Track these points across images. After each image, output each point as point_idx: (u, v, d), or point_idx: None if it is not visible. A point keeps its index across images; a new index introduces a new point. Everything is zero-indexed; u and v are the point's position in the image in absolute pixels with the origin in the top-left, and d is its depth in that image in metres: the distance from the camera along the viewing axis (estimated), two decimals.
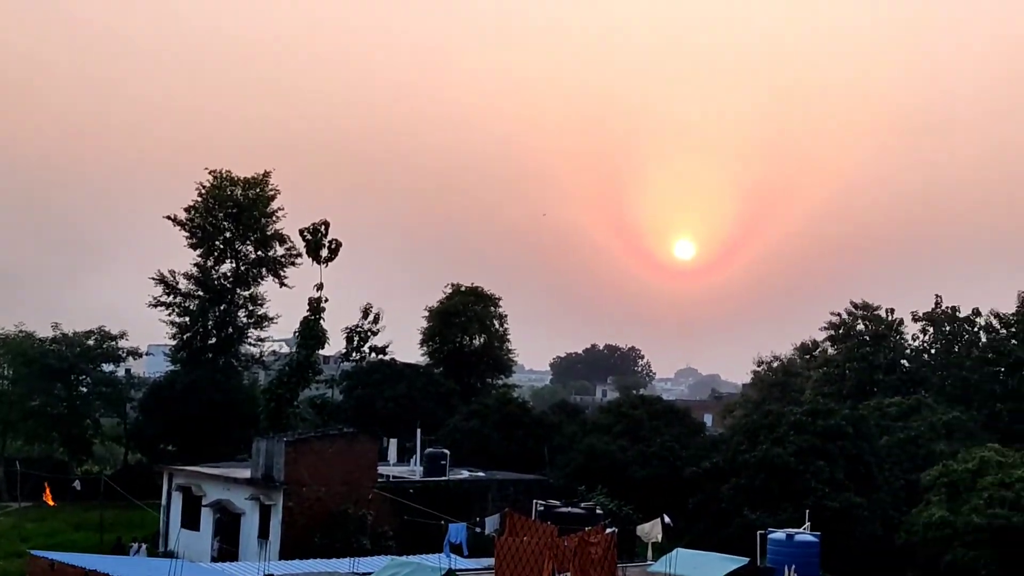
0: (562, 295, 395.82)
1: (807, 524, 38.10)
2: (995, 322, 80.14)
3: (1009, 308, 79.92)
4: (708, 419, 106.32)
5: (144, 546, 55.27)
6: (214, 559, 49.78)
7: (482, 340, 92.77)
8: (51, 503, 61.98)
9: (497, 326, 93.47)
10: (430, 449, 59.88)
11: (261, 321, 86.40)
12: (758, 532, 37.63)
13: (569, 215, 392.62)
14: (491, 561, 32.26)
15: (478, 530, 39.58)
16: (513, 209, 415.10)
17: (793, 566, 32.74)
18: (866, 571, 43.00)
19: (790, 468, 51.80)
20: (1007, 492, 47.45)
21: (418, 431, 62.68)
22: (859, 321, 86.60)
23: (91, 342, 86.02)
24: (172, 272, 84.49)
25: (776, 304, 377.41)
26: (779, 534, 35.01)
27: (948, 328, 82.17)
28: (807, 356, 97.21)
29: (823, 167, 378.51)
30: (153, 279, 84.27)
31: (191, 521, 55.15)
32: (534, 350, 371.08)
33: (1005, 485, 47.87)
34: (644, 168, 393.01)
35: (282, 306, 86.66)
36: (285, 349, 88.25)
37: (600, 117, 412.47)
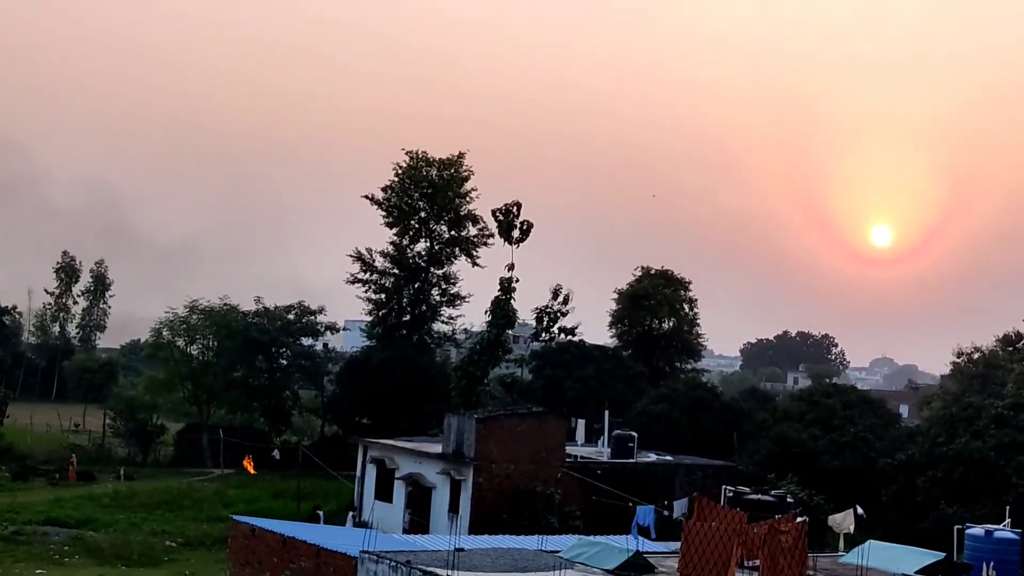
0: (754, 281, 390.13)
1: (1007, 520, 36.81)
2: None
3: None
4: (904, 410, 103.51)
5: (321, 512, 57.10)
6: (405, 531, 50.94)
7: (671, 324, 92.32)
8: (251, 471, 64.30)
9: (687, 310, 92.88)
10: (618, 431, 59.92)
11: (454, 300, 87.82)
12: (955, 527, 36.54)
13: (762, 200, 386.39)
14: (678, 545, 32.11)
15: (666, 513, 39.48)
16: (705, 194, 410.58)
17: (991, 563, 31.70)
18: None
19: (990, 462, 50.13)
20: None
21: (606, 412, 62.80)
22: None
23: (291, 316, 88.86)
24: (369, 250, 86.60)
25: (977, 294, 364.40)
26: (977, 530, 33.91)
27: None
28: (1010, 348, 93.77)
29: (1021, 148, 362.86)
30: (351, 256, 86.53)
31: (384, 493, 56.47)
32: (724, 335, 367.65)
33: None
34: (839, 154, 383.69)
35: (474, 286, 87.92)
36: (476, 328, 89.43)
37: (794, 103, 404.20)
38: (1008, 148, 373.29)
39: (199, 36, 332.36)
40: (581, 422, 65.12)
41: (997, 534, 33.13)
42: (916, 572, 31.60)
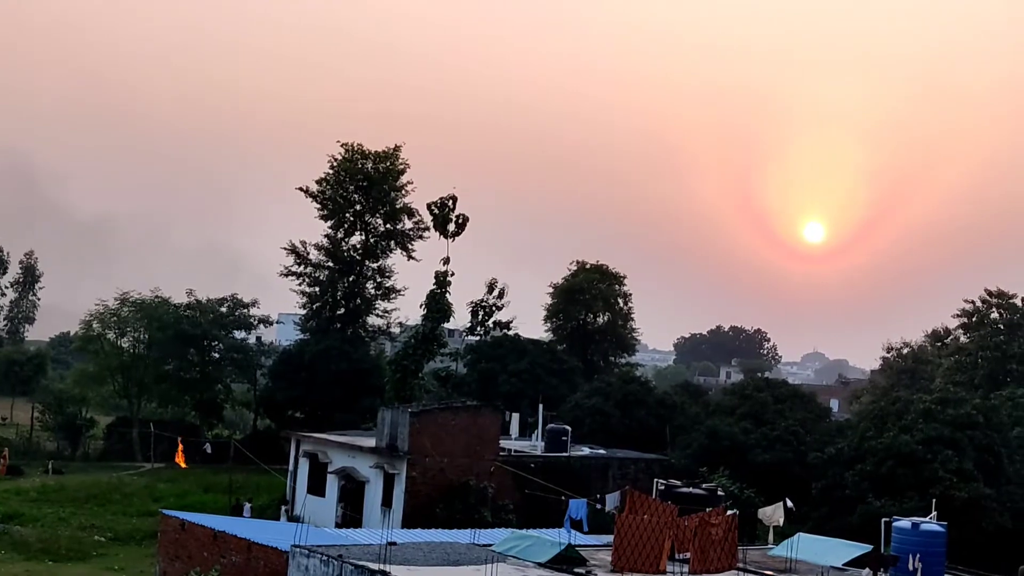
0: (688, 276, 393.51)
1: (934, 513, 37.34)
2: None
3: None
4: (834, 404, 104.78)
5: (249, 505, 56.89)
6: (338, 525, 50.74)
7: (606, 318, 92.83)
8: (182, 465, 63.69)
9: (621, 304, 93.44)
10: (552, 425, 60.08)
11: (388, 293, 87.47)
12: (883, 520, 37.01)
13: (697, 195, 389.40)
14: (611, 538, 32.32)
15: (598, 507, 39.63)
16: (640, 189, 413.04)
17: (918, 555, 32.14)
18: (994, 563, 42.05)
19: (917, 456, 50.85)
20: None
21: (540, 406, 62.95)
22: (993, 309, 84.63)
23: (223, 309, 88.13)
24: (303, 243, 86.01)
25: (907, 290, 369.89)
26: (904, 523, 34.35)
27: None
28: (938, 344, 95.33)
29: (958, 151, 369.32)
30: (285, 249, 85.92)
31: (317, 487, 56.24)
32: (658, 330, 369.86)
33: None
34: (774, 150, 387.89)
35: (409, 279, 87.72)
36: (411, 321, 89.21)
37: (731, 100, 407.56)
38: (941, 149, 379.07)
39: (131, 18, 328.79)
40: (515, 416, 65.21)
41: (923, 527, 33.59)
42: (844, 564, 32.04)
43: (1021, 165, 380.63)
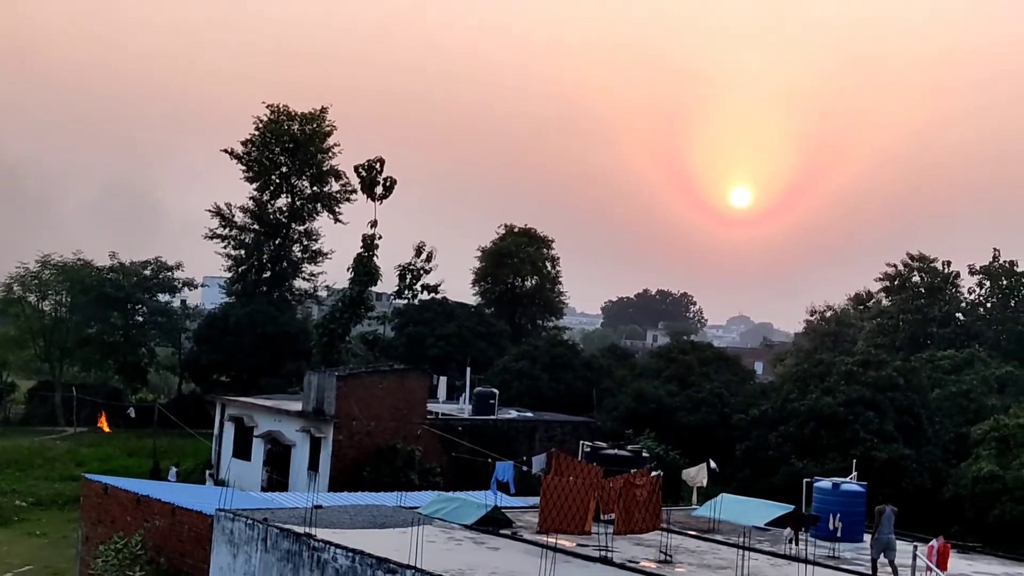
0: (616, 239, 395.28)
1: (854, 474, 37.91)
2: None
3: None
4: (759, 367, 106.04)
5: (175, 469, 56.55)
6: (264, 489, 50.51)
7: (534, 282, 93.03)
8: (106, 429, 63.10)
9: (549, 268, 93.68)
10: (479, 388, 60.19)
11: (315, 256, 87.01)
12: (804, 480, 37.53)
13: (625, 160, 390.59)
14: (537, 500, 32.46)
15: (525, 469, 39.76)
16: (568, 152, 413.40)
17: (838, 515, 32.67)
18: (913, 523, 42.79)
19: (839, 418, 51.53)
20: None
21: (468, 370, 62.99)
22: (915, 273, 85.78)
23: (147, 272, 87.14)
24: (228, 205, 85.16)
25: (831, 254, 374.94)
26: (825, 483, 34.86)
27: (1005, 282, 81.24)
28: (861, 307, 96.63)
29: (883, 117, 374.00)
30: (209, 211, 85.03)
31: (242, 451, 55.92)
32: (586, 293, 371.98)
33: None
34: (702, 115, 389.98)
35: (336, 242, 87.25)
36: (338, 285, 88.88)
37: (659, 67, 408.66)
38: (865, 117, 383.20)
39: None
40: (443, 379, 65.22)
41: (844, 487, 34.11)
42: (766, 524, 32.40)
43: (942, 134, 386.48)
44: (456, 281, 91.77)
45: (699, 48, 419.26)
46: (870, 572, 28.01)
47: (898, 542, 32.31)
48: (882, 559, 28.40)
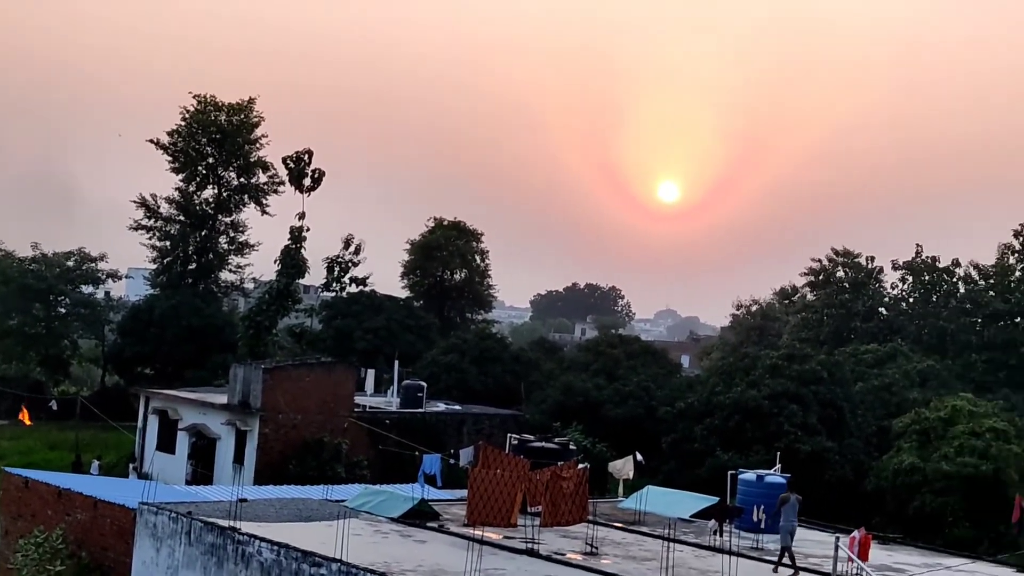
0: (545, 233, 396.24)
1: (778, 466, 38.37)
2: (974, 273, 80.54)
3: (989, 260, 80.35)
4: (685, 360, 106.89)
5: (97, 462, 55.84)
6: (188, 482, 49.99)
7: (463, 275, 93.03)
8: (27, 422, 62.08)
9: (478, 261, 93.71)
10: (407, 381, 60.04)
11: (242, 248, 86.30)
12: (729, 472, 37.91)
13: (555, 154, 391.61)
14: (464, 492, 32.46)
15: (452, 462, 39.76)
16: (498, 146, 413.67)
17: (762, 506, 32.98)
18: (835, 514, 43.39)
19: (764, 411, 52.06)
20: (977, 441, 47.88)
21: (396, 363, 62.82)
22: (839, 268, 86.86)
23: (71, 263, 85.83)
24: (154, 196, 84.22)
25: (758, 249, 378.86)
26: (749, 475, 35.22)
27: (927, 277, 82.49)
28: (786, 301, 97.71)
29: (809, 114, 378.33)
30: (135, 202, 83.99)
31: (166, 444, 55.31)
32: (515, 287, 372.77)
33: (975, 434, 48.29)
34: (631, 110, 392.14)
35: (263, 234, 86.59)
36: (265, 277, 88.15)
37: (588, 60, 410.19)
38: (791, 113, 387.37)
39: None
40: (371, 372, 65.00)
41: (768, 479, 34.48)
42: (691, 516, 32.71)
43: (867, 132, 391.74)
44: (385, 274, 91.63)
45: (629, 44, 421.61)
46: (788, 562, 28.29)
47: (821, 533, 32.77)
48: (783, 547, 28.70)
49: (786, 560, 28.27)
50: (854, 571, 26.02)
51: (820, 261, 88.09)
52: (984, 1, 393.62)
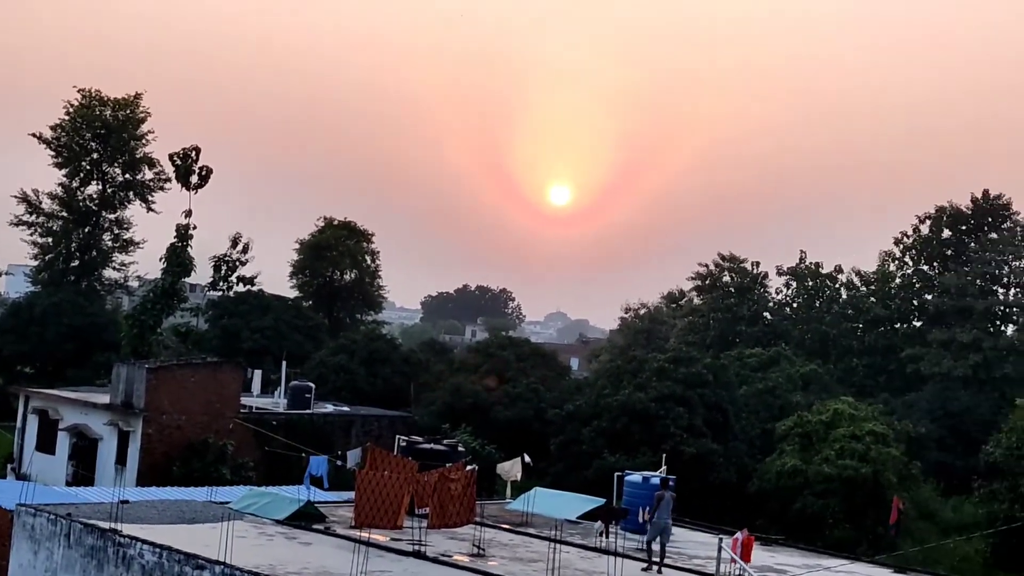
0: (436, 235, 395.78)
1: (663, 468, 38.79)
2: (856, 279, 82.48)
3: (870, 267, 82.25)
4: (574, 363, 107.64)
5: None
6: (69, 483, 48.93)
7: (353, 275, 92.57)
8: None
9: (369, 262, 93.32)
10: (295, 382, 59.50)
11: (127, 246, 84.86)
12: (615, 474, 38.24)
13: (447, 156, 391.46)
14: (351, 495, 32.24)
15: (339, 464, 39.49)
16: (390, 147, 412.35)
17: (647, 508, 33.32)
18: (719, 516, 44.03)
19: (650, 413, 52.60)
20: (857, 444, 48.97)
21: (283, 363, 62.23)
22: (725, 273, 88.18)
23: None
24: (35, 191, 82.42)
25: (647, 253, 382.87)
26: (635, 477, 35.55)
27: (811, 283, 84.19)
28: (674, 305, 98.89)
29: (700, 119, 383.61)
30: (15, 197, 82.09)
31: (46, 444, 54.04)
32: (405, 288, 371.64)
33: (856, 437, 49.39)
34: (524, 112, 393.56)
35: (149, 232, 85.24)
36: (151, 275, 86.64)
37: (479, 63, 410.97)
38: (682, 119, 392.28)
39: None
40: (258, 373, 64.26)
41: (653, 480, 34.79)
42: (578, 517, 32.93)
43: (754, 140, 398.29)
44: (273, 274, 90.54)
45: (522, 45, 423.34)
46: (656, 559, 28.65)
47: (705, 535, 33.17)
48: (656, 547, 29.03)
49: (655, 557, 28.65)
50: (736, 572, 26.38)
51: (707, 266, 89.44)
52: (867, 10, 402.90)
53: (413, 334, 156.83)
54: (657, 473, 37.11)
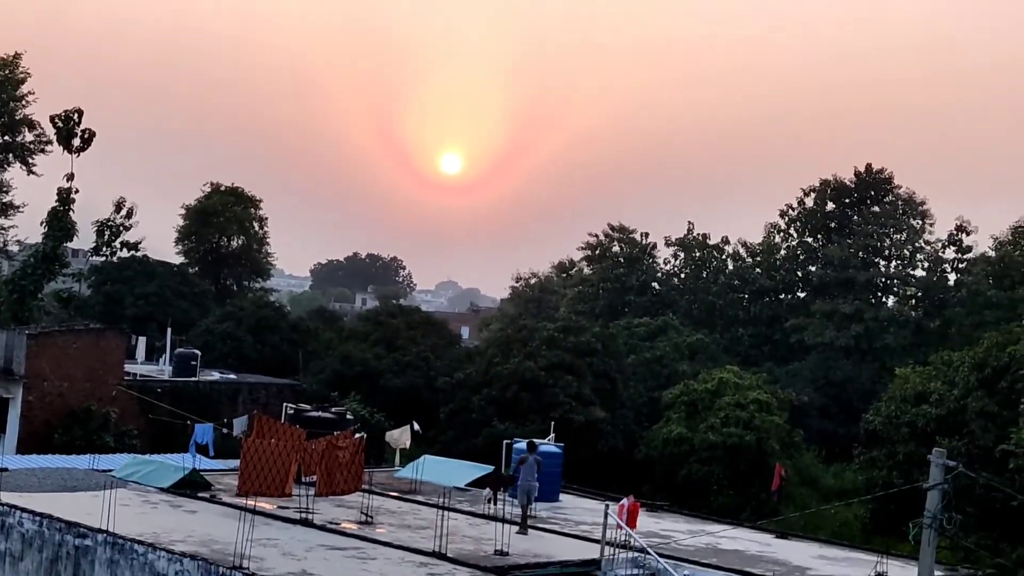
0: (326, 203, 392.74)
1: (552, 436, 39.08)
2: (742, 251, 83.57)
3: (756, 238, 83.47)
4: (465, 331, 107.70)
5: None
6: None
7: (240, 242, 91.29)
8: None
9: (257, 228, 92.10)
10: (180, 349, 58.74)
11: (6, 209, 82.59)
12: (504, 442, 38.43)
13: (337, 124, 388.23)
14: (237, 462, 31.95)
15: (226, 431, 39.07)
16: (278, 111, 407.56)
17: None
18: (607, 482, 44.52)
19: (540, 382, 52.92)
20: (742, 412, 49.86)
21: (168, 330, 61.32)
22: (615, 243, 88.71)
23: None
24: None
25: (538, 223, 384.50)
26: (523, 444, 35.78)
27: (698, 254, 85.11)
28: (564, 275, 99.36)
29: (591, 94, 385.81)
30: None
31: None
32: (295, 255, 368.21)
33: (740, 406, 50.27)
34: (415, 83, 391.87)
35: (29, 195, 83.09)
36: (31, 240, 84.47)
37: (370, 32, 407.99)
38: (574, 93, 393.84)
39: None
40: (142, 339, 63.27)
41: (542, 448, 35.00)
42: (466, 484, 33.07)
43: (645, 115, 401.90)
44: (159, 239, 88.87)
45: (413, 16, 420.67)
46: (519, 520, 29.18)
47: (592, 501, 33.49)
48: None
49: (529, 520, 29.08)
50: (622, 537, 26.68)
51: (597, 236, 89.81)
52: None
53: (302, 302, 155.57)
54: (546, 441, 37.39)
